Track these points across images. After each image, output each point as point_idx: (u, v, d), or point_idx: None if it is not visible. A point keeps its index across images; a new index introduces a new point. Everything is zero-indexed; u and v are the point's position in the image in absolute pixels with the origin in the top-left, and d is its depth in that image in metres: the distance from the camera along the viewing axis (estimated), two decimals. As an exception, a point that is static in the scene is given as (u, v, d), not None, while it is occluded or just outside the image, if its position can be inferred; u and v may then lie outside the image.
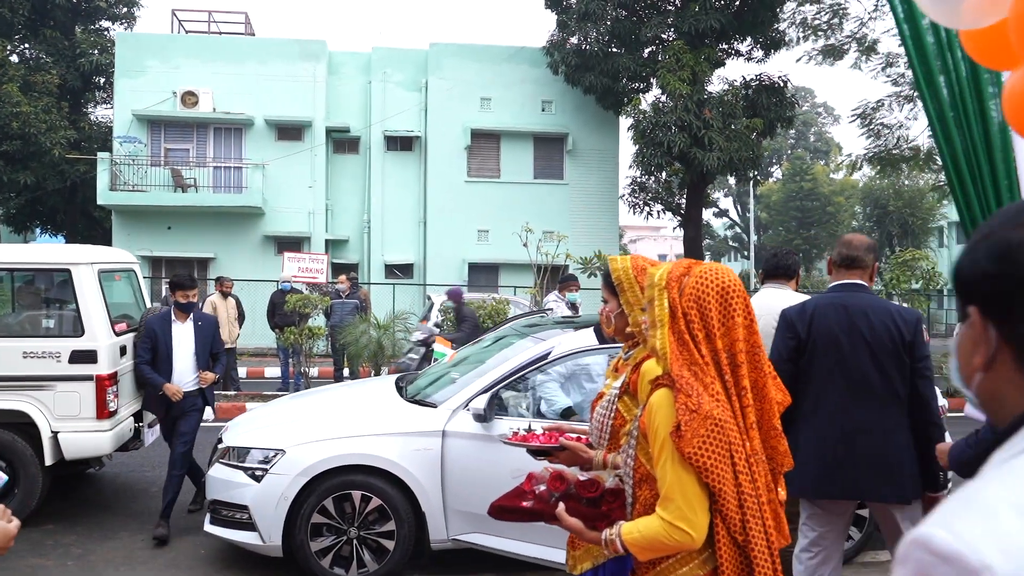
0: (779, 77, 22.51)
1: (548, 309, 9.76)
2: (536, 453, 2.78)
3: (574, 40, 22.81)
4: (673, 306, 2.14)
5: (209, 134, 23.88)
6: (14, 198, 26.80)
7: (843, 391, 3.67)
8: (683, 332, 2.11)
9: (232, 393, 12.34)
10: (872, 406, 3.65)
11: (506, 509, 2.42)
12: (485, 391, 5.23)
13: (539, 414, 5.31)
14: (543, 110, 24.79)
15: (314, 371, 14.30)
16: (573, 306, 10.21)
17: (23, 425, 6.31)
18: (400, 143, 24.56)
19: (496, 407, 5.19)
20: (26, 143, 24.12)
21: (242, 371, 14.96)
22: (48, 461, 6.29)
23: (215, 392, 7.61)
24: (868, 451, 3.60)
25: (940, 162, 19.52)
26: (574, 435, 2.85)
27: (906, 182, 34.83)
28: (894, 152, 21.27)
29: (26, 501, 6.18)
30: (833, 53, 21.34)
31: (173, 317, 6.52)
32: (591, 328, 5.41)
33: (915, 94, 20.28)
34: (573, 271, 15.42)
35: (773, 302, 4.48)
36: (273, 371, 16.54)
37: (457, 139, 24.28)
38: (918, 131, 30.17)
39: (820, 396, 3.72)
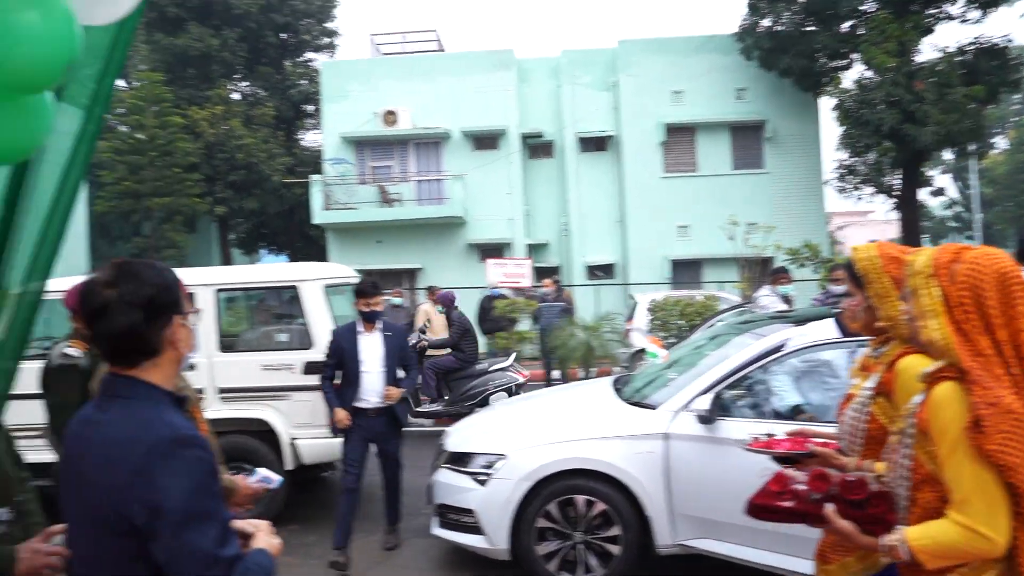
0: (1001, 37, 20.64)
1: (752, 304, 9.38)
2: (782, 460, 2.60)
3: (767, 22, 21.98)
4: (946, 295, 1.95)
5: (410, 149, 24.94)
6: (243, 223, 29.18)
7: None
8: (961, 322, 1.92)
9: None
10: None
11: (766, 508, 2.28)
12: (706, 391, 5.06)
13: (768, 414, 5.08)
14: (738, 98, 24.04)
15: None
16: (786, 299, 9.78)
17: (264, 432, 6.78)
18: (594, 144, 24.60)
19: (719, 408, 5.01)
20: (250, 172, 26.21)
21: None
22: (288, 466, 6.73)
23: (407, 409, 6.88)
24: None
25: None
26: (819, 440, 2.67)
27: None
28: None
29: (272, 504, 6.62)
30: (1064, 4, 19.29)
31: (359, 328, 6.01)
32: (829, 320, 5.11)
33: None
34: (781, 263, 14.81)
35: None
36: (483, 376, 16.92)
37: (651, 135, 23.99)
38: None
39: None
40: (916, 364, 2.19)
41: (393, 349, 6.02)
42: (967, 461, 1.84)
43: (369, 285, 5.99)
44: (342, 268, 8.26)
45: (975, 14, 21.14)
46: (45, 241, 2.44)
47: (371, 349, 5.95)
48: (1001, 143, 43.61)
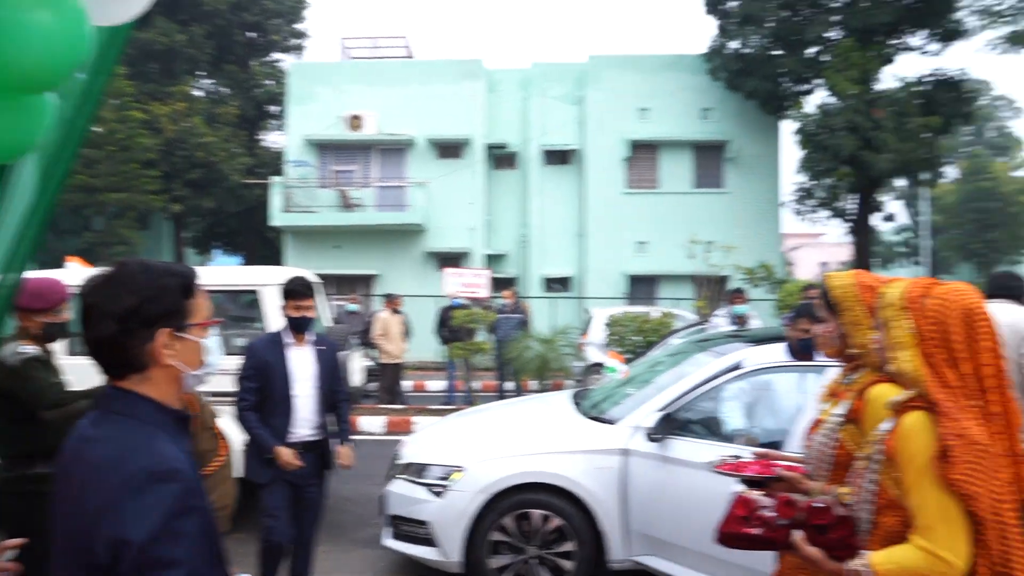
0: (957, 70, 21.22)
1: (706, 323, 9.46)
2: (751, 483, 2.61)
3: (735, 44, 22.30)
4: (917, 328, 2.01)
5: (373, 155, 24.83)
6: (198, 222, 28.74)
7: None
8: (930, 355, 1.98)
9: (401, 407, 12.66)
10: None
11: (735, 536, 2.29)
12: (666, 408, 5.07)
13: (722, 434, 5.11)
14: (702, 118, 24.31)
15: (478, 384, 14.48)
16: (742, 319, 9.86)
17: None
18: (558, 157, 24.71)
19: (674, 426, 5.02)
20: (209, 171, 25.84)
21: (407, 384, 15.34)
22: (239, 473, 6.58)
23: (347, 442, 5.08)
24: None
25: None
26: (785, 463, 2.69)
27: (1103, 179, 32.02)
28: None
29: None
30: (1020, 40, 19.85)
31: (287, 339, 4.73)
32: (779, 344, 5.16)
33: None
34: (737, 282, 14.97)
35: (1003, 318, 4.18)
36: (434, 384, 16.87)
37: (615, 151, 24.15)
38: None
39: None
40: (886, 392, 2.22)
41: (327, 367, 4.81)
42: (933, 489, 1.89)
43: (300, 284, 4.70)
44: (303, 273, 8.16)
45: (935, 47, 21.73)
46: (25, 236, 2.36)
47: (303, 366, 4.72)
48: (952, 173, 44.66)
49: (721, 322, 9.84)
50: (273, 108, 29.83)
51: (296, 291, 4.66)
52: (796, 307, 5.28)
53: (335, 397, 4.86)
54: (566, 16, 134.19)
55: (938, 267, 42.55)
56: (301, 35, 31.19)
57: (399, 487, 5.53)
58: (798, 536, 2.12)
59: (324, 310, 8.23)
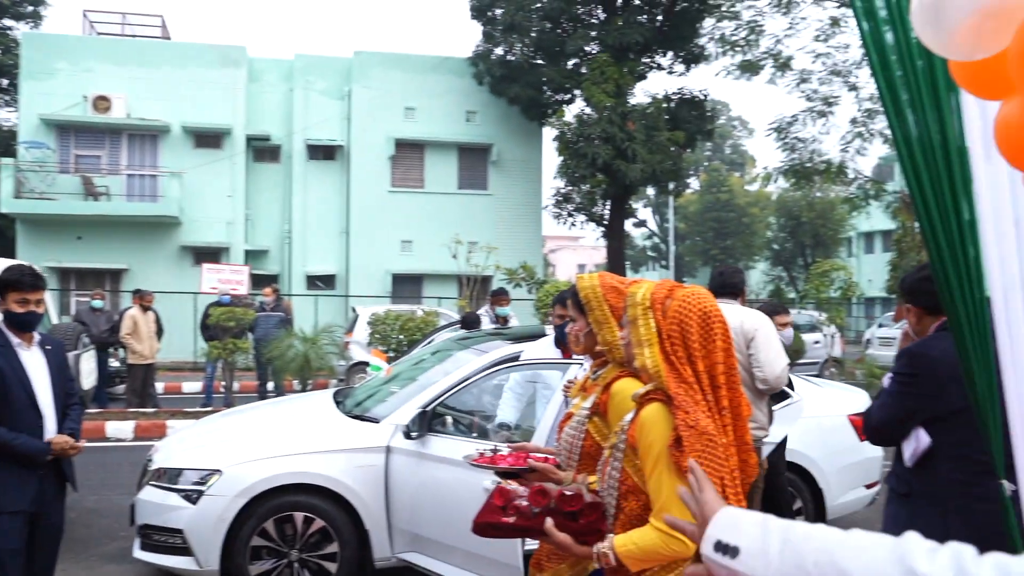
0: (699, 91, 23.09)
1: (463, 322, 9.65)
2: (505, 475, 2.74)
3: (499, 51, 22.89)
4: (660, 327, 2.19)
5: (123, 141, 23.12)
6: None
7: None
8: (670, 353, 2.17)
9: (152, 410, 11.94)
10: None
11: (491, 526, 2.39)
12: (428, 405, 5.16)
13: (478, 429, 5.27)
14: (468, 120, 24.79)
15: (236, 385, 13.93)
16: (504, 320, 10.13)
17: None
18: (322, 152, 24.24)
19: (435, 422, 5.13)
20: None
21: (160, 387, 14.47)
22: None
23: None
24: None
25: (852, 176, 20.00)
26: (540, 455, 2.84)
27: (818, 194, 35.92)
28: (807, 165, 21.91)
29: None
30: (750, 68, 21.88)
31: (13, 339, 4.00)
32: (550, 339, 5.37)
33: (828, 109, 21.07)
34: (499, 282, 15.41)
35: (745, 321, 4.74)
36: (191, 386, 16.06)
37: (381, 149, 24.08)
38: (830, 145, 31.21)
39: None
40: (629, 386, 2.40)
41: (58, 369, 4.17)
42: (668, 474, 2.08)
43: (25, 274, 4.01)
44: (18, 265, 7.50)
45: (680, 67, 23.52)
46: None
47: (37, 370, 4.05)
48: (695, 184, 48.45)
49: (484, 321, 10.08)
50: (2, 81, 27.05)
51: (20, 282, 3.95)
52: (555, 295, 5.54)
53: (66, 401, 4.18)
54: (331, 9, 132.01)
55: (682, 270, 46.04)
56: (38, 1, 28.39)
57: (150, 495, 5.22)
58: (549, 523, 2.25)
59: (50, 306, 7.58)
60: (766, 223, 43.05)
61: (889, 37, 2.32)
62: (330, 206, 24.16)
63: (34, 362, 4.05)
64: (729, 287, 5.06)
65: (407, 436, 5.03)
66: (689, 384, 2.13)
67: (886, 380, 3.16)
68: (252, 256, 23.37)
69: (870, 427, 3.16)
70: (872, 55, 2.27)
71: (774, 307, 6.19)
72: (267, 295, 14.04)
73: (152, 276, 21.26)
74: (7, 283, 3.96)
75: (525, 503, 2.33)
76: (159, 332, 12.82)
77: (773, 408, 5.27)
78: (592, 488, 2.36)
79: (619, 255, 23.61)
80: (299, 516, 5.03)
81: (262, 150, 24.15)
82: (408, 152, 24.52)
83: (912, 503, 2.98)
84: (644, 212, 48.88)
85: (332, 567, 5.06)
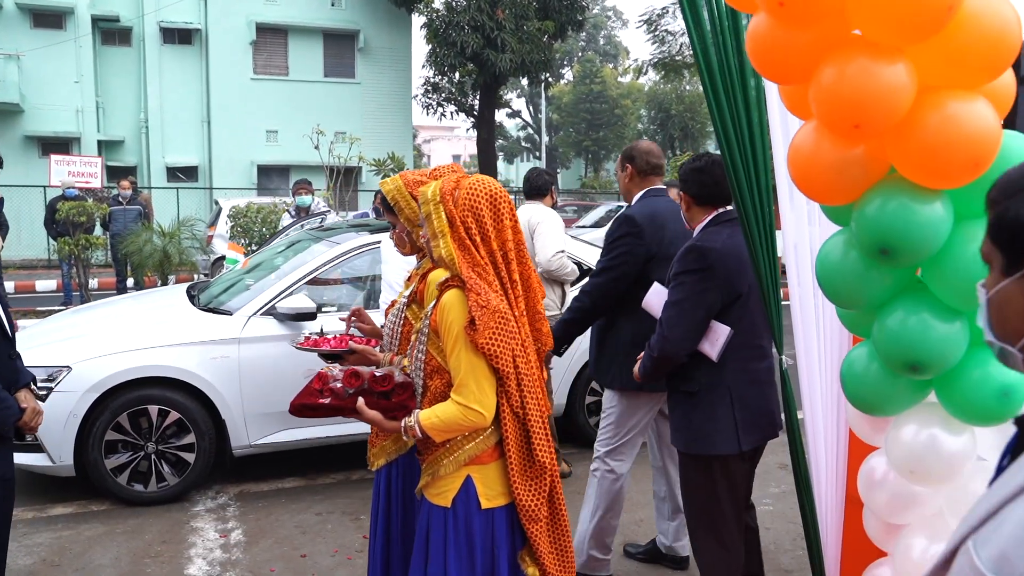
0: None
1: (325, 214, 9.35)
2: (327, 357, 2.90)
3: (364, -69, 22.00)
4: (451, 217, 2.34)
5: (-51, 19, 21.25)
6: None
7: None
8: (464, 239, 2.33)
9: None
10: None
11: (307, 407, 2.55)
12: (278, 296, 5.26)
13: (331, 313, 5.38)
14: (332, 5, 23.88)
15: (94, 283, 13.46)
16: (304, 210, 9.56)
17: None
18: (178, 36, 22.98)
19: (285, 313, 5.25)
20: None
21: (9, 286, 13.82)
22: None
23: None
24: None
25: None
26: (360, 337, 3.01)
27: (687, 88, 36.57)
28: (677, 59, 22.24)
29: None
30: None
31: None
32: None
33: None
34: (367, 173, 15.26)
35: (531, 216, 5.24)
36: (45, 284, 15.41)
37: (241, 33, 23.00)
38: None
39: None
40: (439, 275, 2.56)
41: None
42: (464, 352, 2.27)
43: None
44: None
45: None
46: None
47: None
48: (569, 75, 48.40)
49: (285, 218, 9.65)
50: None
51: None
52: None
53: None
54: None
55: (555, 161, 46.38)
56: None
57: (-4, 393, 5.12)
58: (360, 402, 2.42)
59: None
60: (637, 115, 43.61)
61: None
62: (189, 93, 23.07)
63: None
64: (536, 189, 5.50)
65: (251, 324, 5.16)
66: (482, 267, 2.31)
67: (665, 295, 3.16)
68: (107, 147, 22.23)
69: (673, 343, 3.04)
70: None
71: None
72: (123, 188, 13.46)
73: (-5, 168, 19.94)
74: None
75: (340, 385, 2.48)
76: (3, 228, 12.15)
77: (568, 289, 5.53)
78: (405, 370, 2.52)
79: (490, 146, 23.63)
80: (153, 409, 5.04)
81: (110, 32, 22.68)
82: (270, 37, 23.52)
83: (700, 398, 3.09)
84: (518, 103, 48.71)
85: (191, 457, 5.13)
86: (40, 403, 3.40)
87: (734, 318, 3.06)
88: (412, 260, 3.17)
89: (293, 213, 9.61)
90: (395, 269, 4.64)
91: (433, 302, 2.44)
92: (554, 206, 5.53)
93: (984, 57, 1.78)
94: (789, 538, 4.56)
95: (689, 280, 3.03)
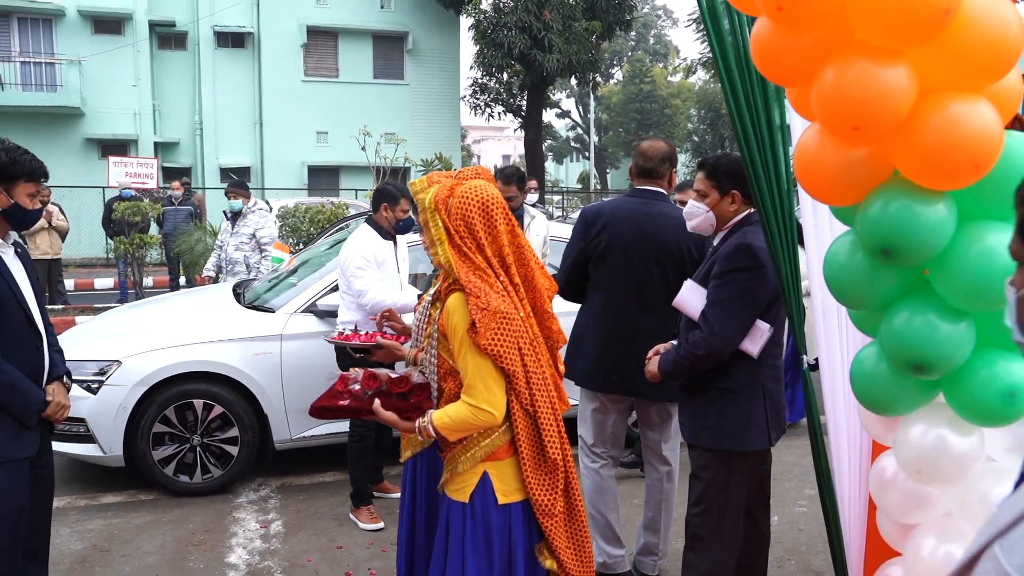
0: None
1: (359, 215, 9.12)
2: (357, 351, 2.99)
3: (413, -66, 22.21)
4: (445, 225, 2.41)
5: (12, 25, 21.88)
6: None
7: (630, 295, 3.79)
8: (460, 245, 2.39)
9: (60, 307, 11.83)
10: (654, 313, 3.77)
11: (326, 408, 2.63)
12: (319, 295, 5.41)
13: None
14: (382, 7, 24.15)
15: (149, 281, 13.82)
16: (236, 214, 8.42)
17: None
18: (231, 39, 23.44)
19: (326, 311, 5.38)
20: None
21: (69, 283, 14.27)
22: None
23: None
24: (644, 354, 3.47)
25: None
26: (391, 333, 3.13)
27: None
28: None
29: None
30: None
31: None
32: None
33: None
34: (416, 173, 15.40)
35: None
36: (103, 282, 15.86)
37: (292, 36, 23.38)
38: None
39: (609, 297, 3.84)
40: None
41: (35, 278, 3.29)
42: (470, 355, 2.33)
43: (38, 161, 3.37)
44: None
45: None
46: None
47: (21, 277, 3.17)
48: (618, 75, 48.22)
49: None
50: None
51: (36, 171, 3.28)
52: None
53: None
54: None
55: (604, 161, 46.27)
56: None
57: (51, 386, 5.33)
58: (376, 403, 2.50)
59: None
60: (687, 115, 43.29)
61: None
62: (242, 96, 23.52)
63: (17, 267, 3.16)
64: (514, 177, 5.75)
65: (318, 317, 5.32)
66: (482, 271, 2.36)
67: (692, 291, 3.18)
68: (163, 148, 22.77)
69: (723, 340, 3.04)
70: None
71: (680, 185, 6.36)
72: (175, 188, 13.81)
73: (55, 170, 20.06)
74: (21, 172, 3.20)
75: (359, 387, 2.57)
76: (63, 227, 12.55)
77: None
78: (423, 371, 2.60)
79: (538, 146, 23.68)
80: (199, 403, 5.21)
81: (167, 37, 23.22)
82: (321, 40, 23.87)
83: (737, 395, 3.11)
84: (568, 103, 48.65)
85: (234, 450, 5.29)
86: (67, 397, 3.25)
87: (771, 316, 3.09)
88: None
89: (228, 218, 8.66)
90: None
91: (441, 306, 2.51)
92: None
93: (986, 59, 1.80)
94: (822, 540, 4.55)
95: (740, 278, 3.03)
